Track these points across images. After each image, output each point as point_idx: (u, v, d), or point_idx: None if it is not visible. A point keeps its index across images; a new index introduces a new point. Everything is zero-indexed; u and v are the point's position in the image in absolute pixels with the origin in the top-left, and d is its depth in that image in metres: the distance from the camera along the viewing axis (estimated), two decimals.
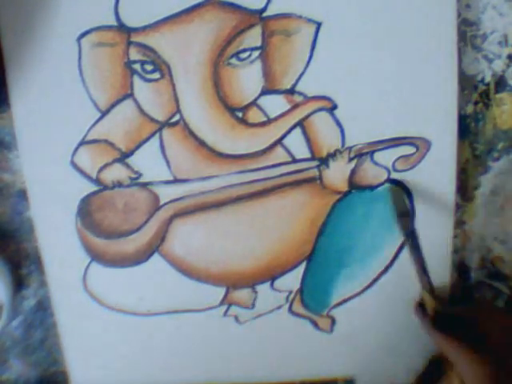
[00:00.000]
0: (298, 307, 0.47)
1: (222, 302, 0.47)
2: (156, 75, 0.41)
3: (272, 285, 0.47)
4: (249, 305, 0.47)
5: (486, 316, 0.42)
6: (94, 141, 0.43)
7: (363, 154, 0.43)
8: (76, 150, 0.43)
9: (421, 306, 0.44)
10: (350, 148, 0.43)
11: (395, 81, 0.42)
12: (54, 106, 0.42)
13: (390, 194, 0.43)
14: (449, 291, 0.47)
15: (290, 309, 0.47)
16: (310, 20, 0.41)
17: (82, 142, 0.43)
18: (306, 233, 0.45)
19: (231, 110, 0.42)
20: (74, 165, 0.43)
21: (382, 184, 0.44)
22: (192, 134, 0.43)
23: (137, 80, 0.41)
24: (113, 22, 0.40)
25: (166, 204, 0.44)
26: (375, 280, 0.47)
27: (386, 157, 0.44)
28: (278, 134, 0.43)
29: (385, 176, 0.44)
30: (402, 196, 0.43)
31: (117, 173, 0.43)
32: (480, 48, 0.43)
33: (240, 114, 0.42)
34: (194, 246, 0.45)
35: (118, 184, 0.44)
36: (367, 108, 0.42)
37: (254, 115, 0.43)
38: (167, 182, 0.44)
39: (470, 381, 0.38)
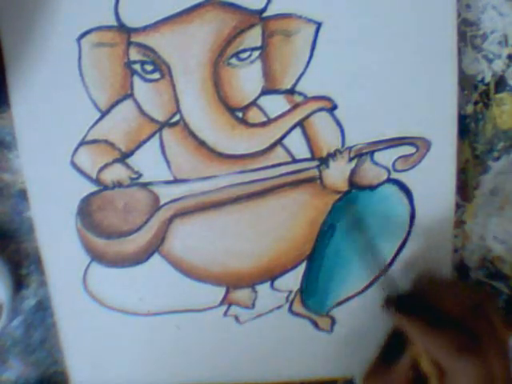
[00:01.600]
0: (298, 307, 0.47)
1: (221, 302, 0.47)
2: (156, 75, 0.41)
3: (272, 285, 0.47)
4: (249, 305, 0.47)
5: (436, 290, 0.41)
6: (94, 141, 0.43)
7: (363, 153, 0.43)
8: (76, 150, 0.43)
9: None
10: (350, 148, 0.43)
11: (395, 81, 0.42)
12: (54, 106, 0.42)
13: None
14: None
15: (290, 309, 0.47)
16: (310, 20, 0.41)
17: (82, 142, 0.43)
18: (306, 233, 0.45)
19: (231, 110, 0.42)
20: (74, 165, 0.43)
21: (382, 184, 0.44)
22: (192, 134, 0.43)
23: (137, 80, 0.41)
24: (113, 22, 0.40)
25: (166, 204, 0.44)
26: (375, 280, 0.47)
27: (386, 157, 0.44)
28: (278, 134, 0.43)
29: (385, 176, 0.44)
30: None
31: (117, 173, 0.44)
32: (480, 48, 0.43)
33: (240, 114, 0.42)
34: (194, 246, 0.45)
35: (118, 184, 0.44)
36: (367, 108, 0.42)
37: (254, 115, 0.43)
38: (167, 182, 0.44)
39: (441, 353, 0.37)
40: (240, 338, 0.48)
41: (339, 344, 0.48)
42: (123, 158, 0.43)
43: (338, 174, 0.44)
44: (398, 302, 0.41)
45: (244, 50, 0.41)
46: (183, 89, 0.41)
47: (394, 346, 0.41)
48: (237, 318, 0.48)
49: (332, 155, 0.43)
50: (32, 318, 0.49)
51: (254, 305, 0.47)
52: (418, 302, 0.40)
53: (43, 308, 0.48)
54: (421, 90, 0.42)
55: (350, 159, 0.44)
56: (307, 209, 0.45)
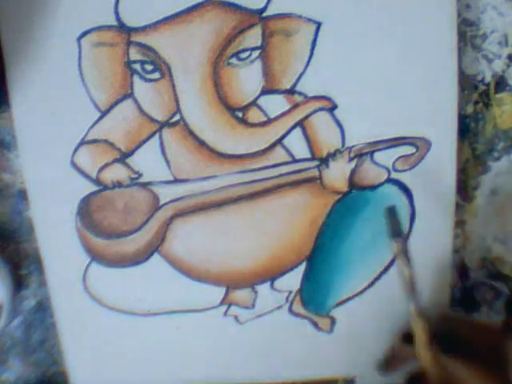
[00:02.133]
0: (298, 307, 0.47)
1: (222, 302, 0.47)
2: (156, 75, 0.41)
3: (272, 285, 0.47)
4: (249, 305, 0.47)
5: (470, 331, 0.42)
6: (94, 141, 0.43)
7: (363, 153, 0.43)
8: (76, 150, 0.43)
9: (407, 336, 0.42)
10: (350, 148, 0.43)
11: (395, 81, 0.42)
12: (54, 106, 0.42)
13: (385, 212, 0.40)
14: (449, 291, 0.47)
15: (290, 309, 0.47)
16: (309, 20, 0.41)
17: (82, 142, 0.43)
18: (306, 233, 0.45)
19: (231, 110, 0.42)
20: (74, 165, 0.43)
21: (382, 184, 0.44)
22: (192, 134, 0.43)
23: (137, 80, 0.42)
24: (113, 21, 0.40)
25: (166, 204, 0.44)
26: (375, 280, 0.47)
27: (386, 157, 0.44)
28: (278, 133, 0.43)
29: (385, 176, 0.44)
30: (397, 215, 0.40)
31: (117, 173, 0.44)
32: (480, 48, 0.43)
33: (240, 114, 0.42)
34: (193, 246, 0.45)
35: (118, 184, 0.44)
36: (367, 108, 0.43)
37: (254, 115, 0.43)
38: (167, 182, 0.44)
39: None
40: (240, 338, 0.48)
41: (339, 344, 0.48)
42: (123, 157, 0.43)
43: (338, 174, 0.44)
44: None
45: (244, 50, 0.41)
46: (183, 89, 0.41)
47: None
48: (237, 318, 0.48)
49: (332, 155, 0.43)
50: (32, 318, 0.49)
51: (254, 305, 0.47)
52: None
53: (43, 308, 0.48)
54: (421, 90, 0.42)
55: (350, 159, 0.44)
56: (307, 209, 0.45)
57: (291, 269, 0.46)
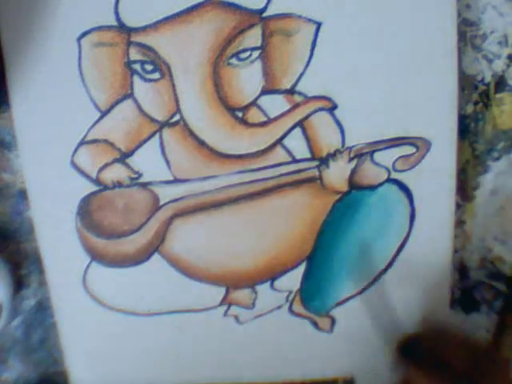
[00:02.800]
0: (298, 307, 0.47)
1: (221, 302, 0.47)
2: (156, 75, 0.41)
3: (272, 285, 0.47)
4: (249, 305, 0.47)
5: (445, 343, 0.42)
6: (94, 141, 0.43)
7: (363, 153, 0.43)
8: (76, 150, 0.43)
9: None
10: (350, 148, 0.43)
11: (395, 81, 0.42)
12: (54, 106, 0.42)
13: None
14: (449, 291, 0.47)
15: (290, 309, 0.47)
16: (310, 20, 0.41)
17: (82, 142, 0.43)
18: (306, 233, 0.45)
19: (231, 110, 0.42)
20: (74, 165, 0.43)
21: (382, 184, 0.44)
22: (192, 134, 0.43)
23: (137, 80, 0.42)
24: (113, 21, 0.40)
25: (165, 204, 0.44)
26: (375, 280, 0.47)
27: (386, 157, 0.44)
28: (278, 134, 0.43)
29: (385, 176, 0.44)
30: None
31: (117, 173, 0.44)
32: (480, 48, 0.43)
33: (240, 114, 0.42)
34: (194, 246, 0.45)
35: (118, 184, 0.44)
36: (367, 108, 0.42)
37: (253, 115, 0.43)
38: (167, 182, 0.44)
39: None
40: (240, 337, 0.48)
41: (339, 344, 0.48)
42: (123, 157, 0.43)
43: (337, 174, 0.44)
44: (409, 353, 0.41)
45: (244, 50, 0.41)
46: (183, 89, 0.41)
47: None
48: (237, 318, 0.48)
49: (332, 155, 0.44)
50: (32, 318, 0.49)
51: (254, 305, 0.47)
52: (422, 351, 0.41)
53: (43, 308, 0.48)
54: (421, 89, 0.42)
55: (350, 159, 0.44)
56: (307, 209, 0.45)
57: (291, 269, 0.46)
